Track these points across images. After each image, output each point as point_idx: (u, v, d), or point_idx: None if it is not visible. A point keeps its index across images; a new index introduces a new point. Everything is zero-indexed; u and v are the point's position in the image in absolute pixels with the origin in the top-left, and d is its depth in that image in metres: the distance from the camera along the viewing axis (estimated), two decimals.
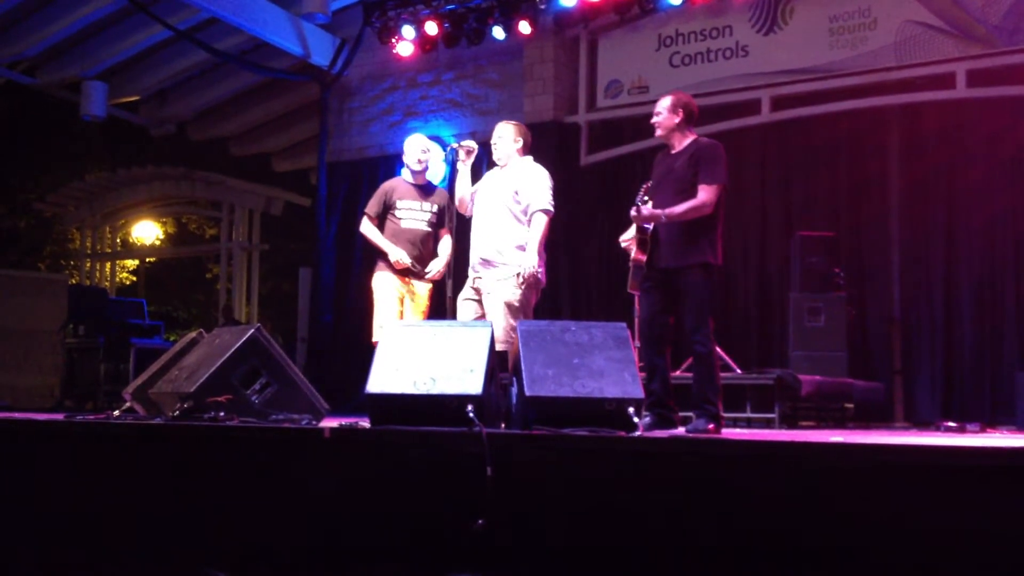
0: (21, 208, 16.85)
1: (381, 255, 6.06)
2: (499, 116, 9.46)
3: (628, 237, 5.07)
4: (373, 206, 6.12)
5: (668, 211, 4.81)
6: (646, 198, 4.89)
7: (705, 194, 4.83)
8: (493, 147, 5.65)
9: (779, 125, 8.96)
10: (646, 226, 4.92)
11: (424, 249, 6.03)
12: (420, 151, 6.15)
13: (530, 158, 5.63)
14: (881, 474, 2.91)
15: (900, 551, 2.85)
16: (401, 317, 5.92)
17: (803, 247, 8.14)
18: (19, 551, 4.11)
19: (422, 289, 6.07)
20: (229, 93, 12.23)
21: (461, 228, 5.66)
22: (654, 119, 5.09)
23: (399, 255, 5.94)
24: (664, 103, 5.06)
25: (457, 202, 5.73)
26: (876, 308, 8.58)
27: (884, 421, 8.02)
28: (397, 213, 6.04)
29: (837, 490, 2.96)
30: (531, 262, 5.30)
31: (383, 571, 3.46)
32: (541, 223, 5.38)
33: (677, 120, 5.02)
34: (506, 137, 5.61)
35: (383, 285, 6.04)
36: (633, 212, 4.90)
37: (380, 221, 6.09)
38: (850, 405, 7.42)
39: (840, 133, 8.80)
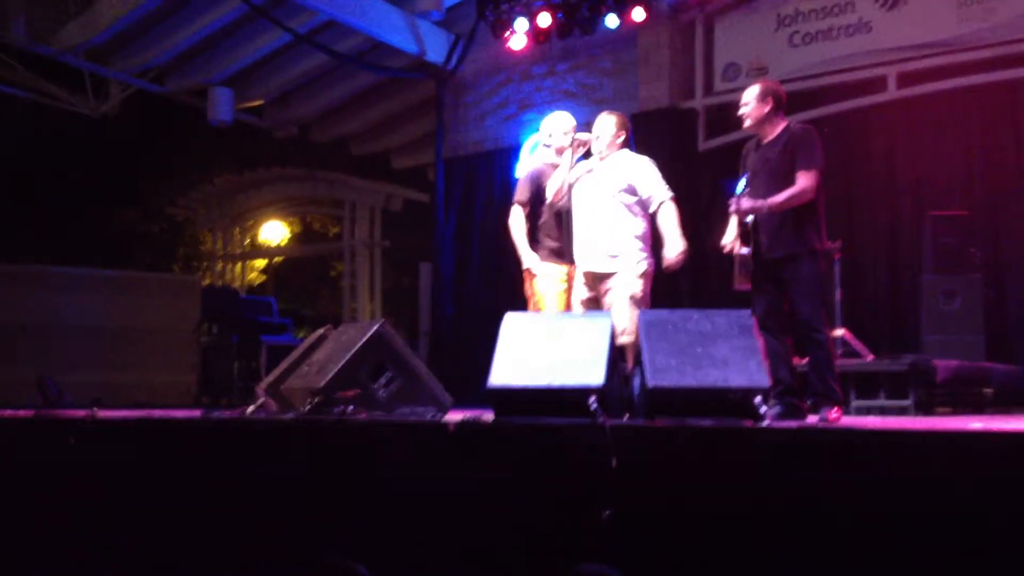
0: (154, 213, 17.51)
1: (540, 244, 5.82)
2: (614, 104, 9.38)
3: (730, 239, 4.99)
4: (523, 193, 5.87)
5: (770, 201, 4.74)
6: (747, 189, 4.81)
7: (805, 180, 4.74)
8: (595, 138, 5.59)
9: (907, 102, 8.63)
10: (747, 219, 4.84)
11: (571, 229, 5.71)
12: (567, 128, 5.83)
13: (628, 150, 5.57)
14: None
15: None
16: (568, 307, 5.73)
17: (935, 227, 7.84)
18: (161, 542, 4.27)
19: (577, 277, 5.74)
20: (348, 94, 12.47)
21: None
22: (742, 110, 5.01)
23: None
24: (751, 93, 4.98)
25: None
26: (1015, 289, 8.20)
27: None
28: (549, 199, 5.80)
29: (977, 480, 2.84)
30: (679, 247, 5.26)
31: (511, 563, 3.47)
32: (672, 211, 5.36)
33: (767, 109, 4.94)
34: (609, 129, 5.56)
35: (547, 276, 5.77)
36: (733, 206, 4.83)
37: (532, 209, 5.86)
38: (989, 390, 7.12)
39: (971, 108, 8.43)
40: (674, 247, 5.29)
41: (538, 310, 5.76)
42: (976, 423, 4.13)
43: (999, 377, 7.23)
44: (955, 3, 8.31)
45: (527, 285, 5.88)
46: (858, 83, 8.77)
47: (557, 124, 5.89)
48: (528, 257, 5.78)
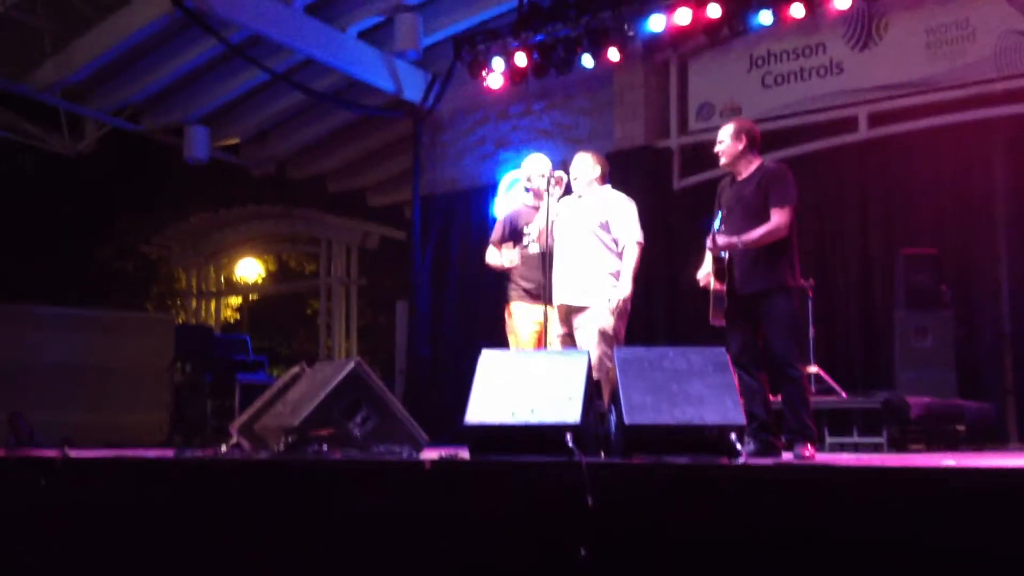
0: (129, 251, 17.41)
1: (514, 283, 5.90)
2: (590, 143, 9.46)
3: (704, 273, 5.04)
4: (497, 234, 5.96)
5: (744, 237, 4.80)
6: (722, 227, 4.87)
7: (778, 217, 4.81)
8: (573, 179, 5.65)
9: (878, 142, 8.76)
10: (722, 255, 4.89)
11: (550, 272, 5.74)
12: (544, 171, 5.84)
13: (609, 186, 5.63)
14: (1000, 500, 2.80)
15: None
16: (541, 345, 5.77)
17: (907, 265, 7.92)
18: None
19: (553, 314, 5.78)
20: (325, 132, 12.51)
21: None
22: (717, 148, 5.09)
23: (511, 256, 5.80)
24: (726, 131, 5.06)
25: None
26: (985, 326, 8.28)
27: (997, 443, 7.72)
28: (525, 240, 5.88)
29: (953, 517, 2.85)
30: (624, 291, 5.30)
31: None
32: (634, 254, 5.38)
33: (741, 147, 5.02)
34: (587, 166, 5.61)
35: (520, 315, 5.85)
36: (709, 242, 4.89)
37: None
38: (961, 427, 7.16)
39: (942, 148, 8.55)
40: (621, 290, 5.32)
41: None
42: (949, 460, 4.15)
43: (972, 414, 7.28)
44: (924, 44, 8.46)
45: (508, 321, 5.92)
46: (830, 123, 8.88)
47: (534, 167, 5.93)
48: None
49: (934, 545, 2.86)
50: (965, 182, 8.47)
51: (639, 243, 5.42)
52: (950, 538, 2.85)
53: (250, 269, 17.52)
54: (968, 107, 8.23)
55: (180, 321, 14.83)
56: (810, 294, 7.39)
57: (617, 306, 5.30)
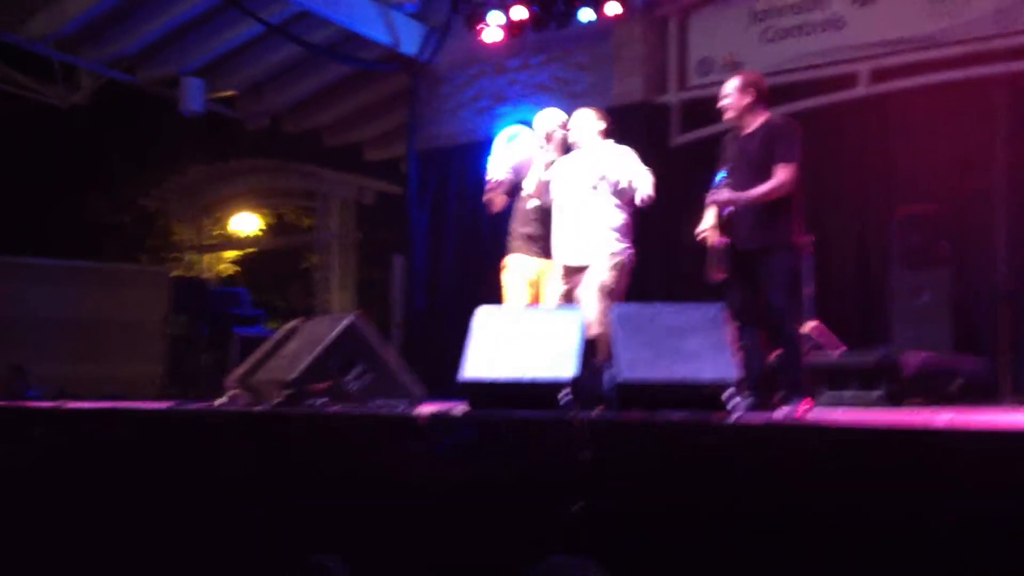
0: (125, 203, 17.36)
1: (512, 234, 5.92)
2: (589, 99, 9.38)
3: (705, 227, 4.99)
4: (502, 174, 5.98)
5: (747, 194, 4.75)
6: (726, 182, 4.82)
7: (783, 173, 4.76)
8: (571, 132, 5.61)
9: (878, 99, 8.69)
10: (724, 210, 4.86)
11: (550, 227, 5.75)
12: (553, 125, 5.86)
13: (611, 141, 5.59)
14: (996, 458, 2.81)
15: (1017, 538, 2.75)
16: (535, 301, 5.77)
17: (905, 222, 7.91)
18: (128, 535, 4.24)
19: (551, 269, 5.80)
20: (321, 85, 12.40)
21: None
22: (723, 101, 5.02)
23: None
24: (732, 84, 4.98)
25: (534, 188, 5.68)
26: (982, 283, 8.27)
27: (992, 398, 7.76)
28: (524, 192, 5.87)
29: (949, 473, 2.86)
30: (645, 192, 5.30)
31: (484, 554, 3.48)
32: (649, 180, 5.36)
33: (747, 101, 4.94)
34: (586, 121, 5.57)
35: (513, 268, 5.87)
36: (710, 197, 4.85)
37: (510, 198, 5.94)
38: (957, 383, 7.19)
39: (942, 105, 8.49)
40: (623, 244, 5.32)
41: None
42: (944, 416, 4.17)
43: (968, 369, 7.30)
44: (925, 0, 8.37)
45: (503, 274, 5.92)
46: (830, 79, 8.81)
47: (542, 121, 5.90)
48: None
49: (925, 504, 2.88)
50: (964, 140, 8.43)
51: (652, 198, 5.40)
52: (940, 497, 2.86)
53: (247, 223, 17.47)
54: (969, 64, 8.16)
55: (176, 274, 14.80)
56: (809, 251, 7.38)
57: (622, 262, 5.28)
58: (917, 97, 8.51)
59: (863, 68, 8.63)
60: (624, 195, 5.41)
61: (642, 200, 5.35)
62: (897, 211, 8.07)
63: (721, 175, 4.90)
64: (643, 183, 5.38)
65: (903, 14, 8.47)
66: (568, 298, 5.47)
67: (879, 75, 8.60)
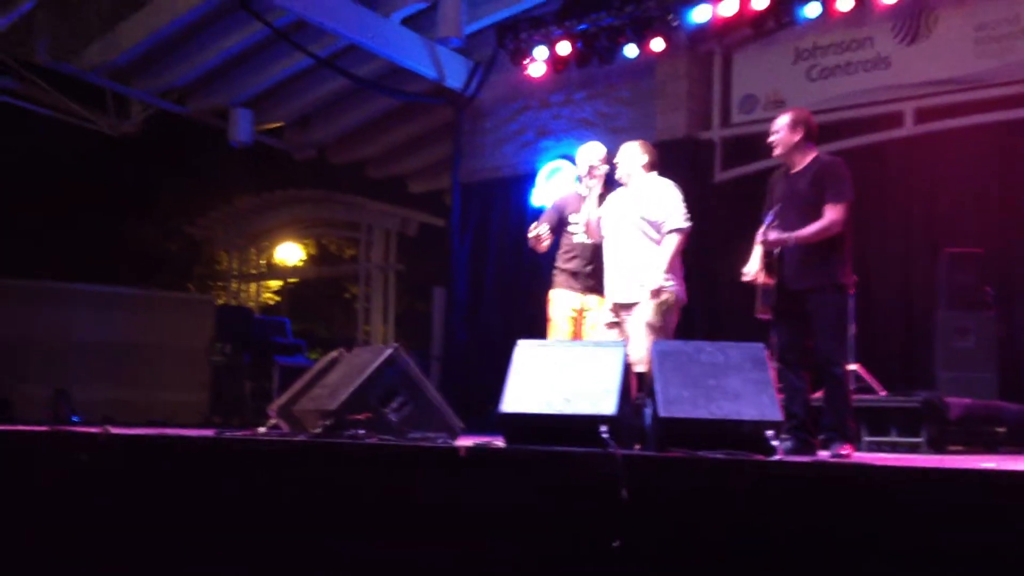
0: (172, 231, 17.62)
1: (557, 268, 5.94)
2: (631, 134, 9.37)
3: (753, 269, 4.95)
4: (547, 220, 5.92)
5: (797, 234, 4.72)
6: (775, 221, 4.79)
7: (833, 213, 4.72)
8: (618, 166, 5.63)
9: (923, 138, 8.64)
10: (772, 250, 4.83)
11: (598, 263, 5.74)
12: (595, 159, 5.83)
13: (655, 174, 5.58)
14: None
15: None
16: (577, 336, 5.79)
17: (950, 264, 7.82)
18: (170, 561, 4.27)
19: (598, 303, 5.79)
20: (367, 117, 12.56)
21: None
22: (772, 138, 4.99)
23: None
24: (782, 121, 4.95)
25: (584, 226, 5.69)
26: None
27: None
28: (571, 228, 5.92)
29: (989, 520, 2.83)
30: (658, 279, 5.26)
31: None
32: (674, 242, 5.33)
33: (797, 138, 4.91)
34: (631, 155, 5.58)
35: (558, 302, 5.90)
36: (760, 237, 4.82)
37: (555, 236, 5.93)
38: (1002, 429, 7.07)
39: (988, 146, 8.42)
40: (653, 278, 5.26)
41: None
42: (989, 462, 4.11)
43: (1012, 416, 7.18)
44: (972, 40, 8.33)
45: (548, 308, 5.94)
46: (875, 118, 8.79)
47: (584, 155, 5.90)
48: (540, 229, 5.79)
49: (968, 549, 2.84)
50: (1011, 182, 8.34)
51: (680, 231, 5.35)
52: (984, 541, 2.82)
53: (290, 252, 17.64)
54: (1016, 105, 8.10)
55: (221, 302, 14.97)
56: (852, 291, 7.32)
57: (655, 294, 5.25)
58: (963, 137, 8.45)
59: (908, 107, 8.60)
60: (662, 228, 5.39)
61: (673, 239, 5.31)
62: (943, 252, 7.99)
63: (771, 214, 4.86)
64: (671, 220, 5.35)
65: (949, 54, 8.44)
66: (616, 332, 5.46)
67: (925, 114, 8.57)
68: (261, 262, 16.58)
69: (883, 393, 7.14)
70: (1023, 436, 7.40)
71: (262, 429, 5.12)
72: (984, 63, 8.27)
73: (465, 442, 4.08)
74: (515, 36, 10.22)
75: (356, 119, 12.63)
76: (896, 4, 8.61)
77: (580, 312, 5.79)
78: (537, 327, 6.21)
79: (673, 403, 3.71)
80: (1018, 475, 2.92)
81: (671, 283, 5.34)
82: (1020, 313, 8.19)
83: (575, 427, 3.70)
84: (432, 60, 10.71)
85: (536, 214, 6.64)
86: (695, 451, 3.45)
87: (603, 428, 3.60)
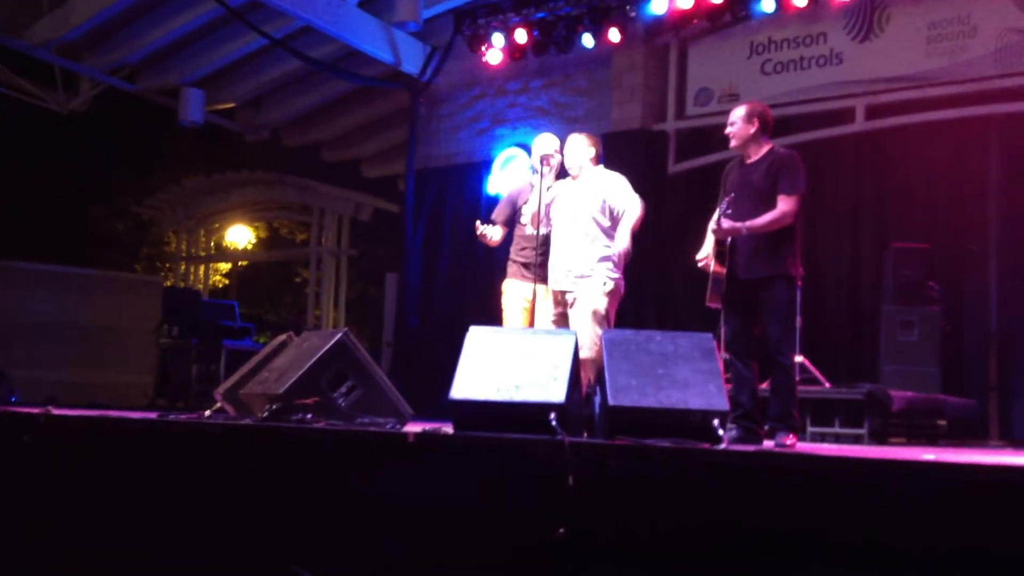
0: (120, 211, 17.37)
1: (511, 260, 5.94)
2: (587, 124, 9.45)
3: (705, 255, 5.00)
4: (501, 213, 5.99)
5: (750, 223, 4.76)
6: (729, 211, 4.83)
7: (786, 204, 4.78)
8: (566, 157, 5.64)
9: (874, 134, 8.76)
10: (725, 239, 4.86)
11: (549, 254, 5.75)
12: (550, 149, 5.83)
13: (602, 167, 5.62)
14: (973, 494, 2.82)
15: (993, 573, 2.76)
16: (530, 325, 5.80)
17: (897, 259, 7.94)
18: (112, 544, 4.22)
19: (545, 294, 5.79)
20: (322, 100, 12.46)
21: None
22: (728, 129, 5.04)
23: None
24: (738, 113, 5.00)
25: (530, 216, 5.70)
26: (971, 322, 8.32)
27: (978, 439, 7.78)
28: (523, 219, 5.91)
29: (928, 510, 2.88)
30: (622, 244, 5.30)
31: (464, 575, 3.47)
32: (633, 215, 5.37)
33: (753, 130, 4.96)
34: (580, 147, 5.60)
35: (510, 292, 5.91)
36: (714, 225, 4.85)
37: (508, 228, 5.97)
38: (943, 422, 7.21)
39: (937, 143, 8.55)
40: (619, 244, 5.34)
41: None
42: (929, 454, 4.18)
43: (953, 409, 7.32)
44: (924, 38, 8.45)
45: (502, 298, 5.95)
46: (827, 113, 8.89)
47: (538, 145, 5.91)
48: (490, 231, 5.88)
49: (906, 538, 2.89)
50: (959, 179, 8.49)
51: (641, 206, 5.42)
52: (922, 532, 2.87)
53: (241, 235, 17.47)
54: (965, 103, 8.23)
55: (169, 284, 14.79)
56: (799, 283, 7.41)
57: (619, 258, 5.30)
58: (913, 134, 8.58)
59: (860, 103, 8.71)
60: (617, 221, 5.43)
61: (629, 229, 5.35)
62: (889, 247, 8.11)
63: (724, 203, 4.90)
64: (629, 212, 5.39)
65: (901, 52, 8.56)
66: (562, 322, 5.49)
67: (875, 111, 8.68)
68: (210, 244, 16.40)
69: (828, 385, 7.24)
70: (964, 429, 7.55)
71: (207, 412, 5.06)
72: (935, 61, 8.39)
73: (414, 428, 4.07)
74: (473, 22, 10.19)
75: (310, 102, 12.52)
76: (850, 1, 8.72)
77: (532, 303, 5.79)
78: (490, 315, 6.21)
79: (622, 391, 3.73)
80: (957, 467, 2.97)
81: (615, 271, 5.39)
82: (964, 308, 8.35)
83: (524, 414, 3.70)
84: (389, 44, 10.64)
85: (491, 202, 6.67)
86: (643, 439, 3.46)
87: (552, 415, 3.60)
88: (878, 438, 6.79)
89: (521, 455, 3.48)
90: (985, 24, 8.15)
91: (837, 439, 6.82)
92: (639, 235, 5.53)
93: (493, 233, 5.87)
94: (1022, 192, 8.18)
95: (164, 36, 10.97)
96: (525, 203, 5.89)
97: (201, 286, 15.68)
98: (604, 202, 5.44)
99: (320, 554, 3.75)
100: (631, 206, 5.41)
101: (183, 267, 15.77)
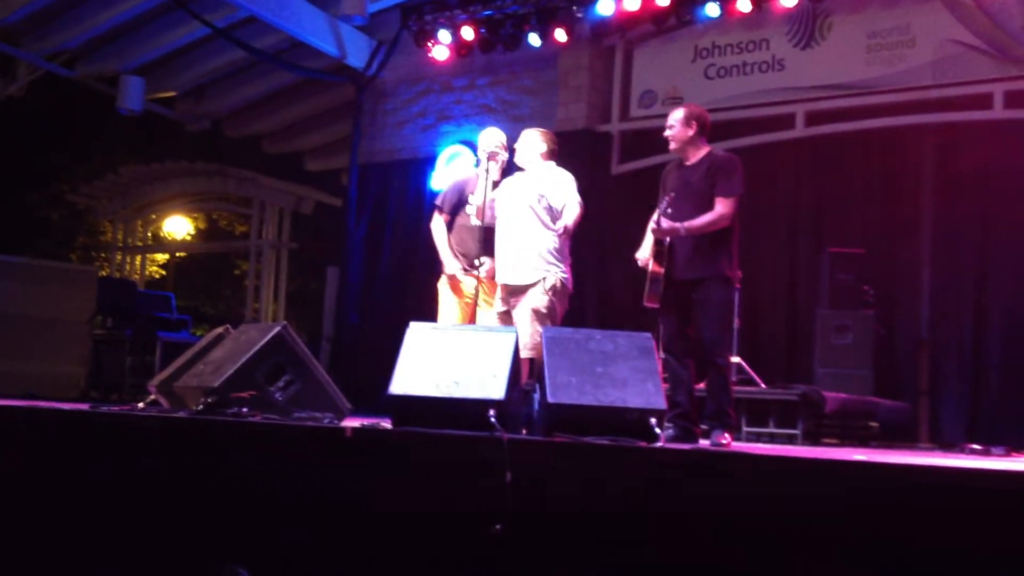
0: (55, 199, 17.02)
1: (448, 254, 5.93)
2: (532, 123, 9.41)
3: (644, 255, 5.05)
4: (447, 202, 5.97)
5: (688, 224, 4.82)
6: (669, 211, 4.88)
7: (723, 207, 4.84)
8: (516, 151, 5.65)
9: (813, 140, 8.90)
10: (663, 239, 4.91)
11: (492, 249, 5.74)
12: (496, 145, 5.86)
13: (553, 163, 5.62)
14: (901, 494, 2.88)
15: (918, 571, 2.82)
16: (469, 322, 5.78)
17: (832, 263, 8.08)
18: (37, 540, 4.14)
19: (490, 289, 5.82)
20: (265, 91, 12.33)
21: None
22: (667, 132, 5.09)
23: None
24: (677, 115, 5.06)
25: (476, 209, 5.69)
26: (904, 327, 8.49)
27: (908, 442, 7.94)
28: (468, 210, 5.89)
29: (856, 509, 2.93)
30: (568, 221, 5.29)
31: (399, 572, 3.46)
32: (574, 215, 5.36)
33: (691, 133, 5.02)
34: (531, 142, 5.61)
35: (447, 288, 5.91)
36: (653, 225, 4.90)
37: (452, 218, 5.95)
38: (874, 424, 7.35)
39: (875, 150, 8.72)
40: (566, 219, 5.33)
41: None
42: (860, 455, 4.26)
43: (885, 412, 7.47)
44: (864, 47, 8.59)
45: (440, 292, 5.93)
46: (768, 119, 9.00)
47: (484, 140, 5.90)
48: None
49: (838, 533, 2.94)
50: (894, 186, 8.66)
51: (580, 205, 5.42)
52: (853, 527, 2.93)
53: (179, 226, 17.20)
54: (903, 112, 8.40)
55: (104, 274, 14.50)
56: (737, 286, 7.50)
57: (563, 257, 5.30)
58: (852, 141, 8.74)
59: (800, 110, 8.83)
60: (556, 219, 5.43)
61: (564, 228, 5.35)
62: (826, 251, 8.24)
63: (664, 203, 4.94)
64: (568, 213, 5.39)
65: (842, 60, 8.70)
66: (507, 318, 5.48)
67: (815, 117, 8.82)
68: (148, 234, 16.14)
69: (763, 386, 7.35)
70: (895, 431, 7.71)
71: (141, 405, 4.98)
72: (874, 70, 8.54)
73: (352, 423, 4.05)
74: (419, 18, 10.16)
75: (253, 92, 12.37)
76: (793, 9, 8.84)
77: (473, 298, 5.79)
78: (430, 311, 6.19)
79: (561, 389, 3.75)
80: (886, 467, 3.03)
81: (561, 268, 5.40)
82: (898, 313, 8.52)
83: (463, 410, 3.70)
84: (334, 37, 10.56)
85: (434, 198, 6.64)
86: (581, 437, 3.48)
87: (491, 412, 3.61)
88: (811, 439, 6.91)
89: (459, 451, 3.48)
90: (925, 35, 8.32)
91: (771, 439, 6.92)
92: (579, 235, 5.55)
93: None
94: (955, 200, 8.38)
95: (105, 22, 10.76)
96: (472, 194, 5.88)
97: (137, 277, 15.39)
98: (544, 197, 5.44)
99: (257, 551, 3.71)
100: (570, 207, 5.41)
101: (119, 257, 15.48)
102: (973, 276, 8.21)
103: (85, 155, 16.46)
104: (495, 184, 5.73)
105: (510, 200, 5.55)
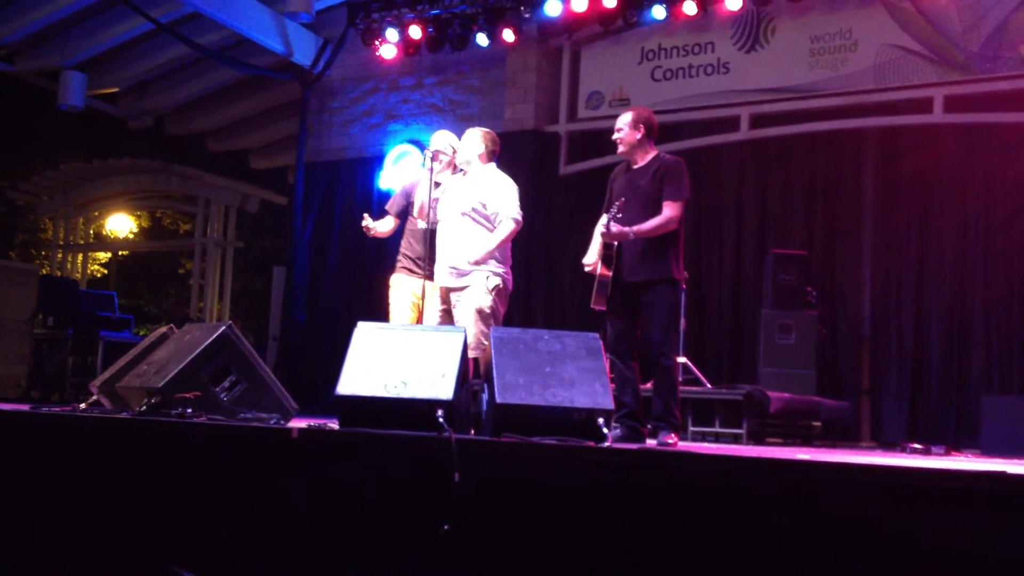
0: None
1: (400, 256, 5.92)
2: (480, 122, 9.40)
3: (592, 259, 5.07)
4: (395, 204, 5.97)
5: (637, 228, 4.85)
6: (619, 215, 4.90)
7: (671, 210, 4.89)
8: (459, 154, 5.63)
9: (757, 143, 9.02)
10: (612, 243, 4.94)
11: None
12: (441, 145, 5.87)
13: (493, 165, 5.60)
14: (843, 492, 2.93)
15: (859, 568, 2.87)
16: (417, 322, 5.76)
17: (776, 264, 8.19)
18: None
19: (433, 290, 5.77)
20: (209, 88, 12.19)
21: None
22: (616, 135, 5.11)
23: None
24: (625, 119, 5.09)
25: (417, 209, 5.69)
26: (846, 327, 8.64)
27: (850, 440, 8.08)
28: (414, 211, 5.86)
29: (799, 507, 2.98)
30: (481, 252, 5.27)
31: (346, 574, 3.44)
32: (507, 229, 5.35)
33: (639, 136, 5.06)
34: (472, 143, 5.58)
35: (398, 287, 5.90)
36: (603, 229, 4.92)
37: (401, 220, 5.94)
38: (817, 423, 7.47)
39: (817, 153, 8.87)
40: (478, 252, 5.29)
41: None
42: (803, 454, 4.33)
43: (827, 411, 7.59)
44: (807, 51, 8.73)
45: (389, 293, 5.92)
46: (713, 121, 9.10)
47: (433, 141, 5.91)
48: (380, 224, 5.89)
49: (780, 530, 2.98)
50: (836, 188, 8.81)
51: (516, 221, 5.40)
52: (796, 524, 2.97)
53: (121, 224, 16.95)
54: (845, 116, 8.54)
55: (45, 272, 14.25)
56: (683, 287, 7.57)
57: (474, 261, 5.29)
58: (795, 144, 8.87)
59: (744, 112, 8.95)
60: (495, 218, 5.41)
61: (496, 243, 5.33)
62: (770, 252, 8.35)
63: (615, 208, 4.95)
64: (502, 227, 5.36)
65: (785, 64, 8.82)
66: (447, 318, 5.47)
67: (759, 120, 8.93)
68: (90, 232, 15.88)
69: (709, 386, 7.42)
70: (837, 430, 7.83)
71: (83, 405, 4.89)
72: (817, 74, 8.68)
73: (299, 424, 4.02)
74: (367, 16, 10.12)
75: (197, 89, 12.23)
76: (737, 12, 8.94)
77: (421, 298, 5.77)
78: (378, 311, 6.17)
79: (509, 389, 3.75)
80: (829, 466, 3.08)
81: (500, 268, 5.39)
82: (840, 313, 8.66)
83: (411, 410, 3.69)
84: (280, 34, 10.47)
85: (383, 197, 6.63)
86: (529, 437, 3.50)
87: (439, 412, 3.60)
88: (756, 438, 7.00)
89: (408, 451, 3.47)
90: (866, 39, 8.47)
91: (717, 438, 7.00)
92: (528, 235, 5.54)
93: (380, 225, 5.85)
94: (896, 203, 8.55)
95: (46, 16, 10.58)
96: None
97: (79, 275, 15.15)
98: (480, 204, 5.41)
99: (201, 552, 3.67)
100: (507, 218, 5.38)
101: (60, 255, 15.22)
102: (913, 277, 8.38)
103: (25, 151, 16.13)
104: (437, 184, 5.73)
105: (449, 203, 5.53)
